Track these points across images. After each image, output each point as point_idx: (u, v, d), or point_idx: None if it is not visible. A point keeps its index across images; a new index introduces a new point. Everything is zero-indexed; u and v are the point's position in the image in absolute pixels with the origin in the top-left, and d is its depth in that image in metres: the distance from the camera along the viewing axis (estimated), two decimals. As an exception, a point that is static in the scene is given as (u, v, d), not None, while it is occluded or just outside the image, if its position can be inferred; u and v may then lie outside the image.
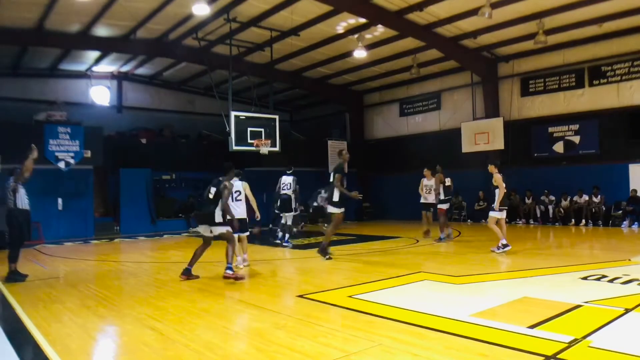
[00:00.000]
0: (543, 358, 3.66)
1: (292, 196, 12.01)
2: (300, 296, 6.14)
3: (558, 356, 3.71)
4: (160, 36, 16.70)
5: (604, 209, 15.68)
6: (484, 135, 18.50)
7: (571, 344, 3.98)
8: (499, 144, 18.08)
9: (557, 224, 16.30)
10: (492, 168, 9.86)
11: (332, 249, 10.25)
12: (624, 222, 15.06)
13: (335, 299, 5.89)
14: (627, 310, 5.00)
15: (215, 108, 17.39)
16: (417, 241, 12.25)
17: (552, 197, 16.79)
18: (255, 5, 14.59)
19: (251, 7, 14.66)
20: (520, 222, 17.20)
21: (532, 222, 16.91)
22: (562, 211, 16.40)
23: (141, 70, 20.69)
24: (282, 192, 12.02)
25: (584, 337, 4.14)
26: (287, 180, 12.10)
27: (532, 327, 4.46)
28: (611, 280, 6.64)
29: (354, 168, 21.50)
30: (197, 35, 16.16)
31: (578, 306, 5.24)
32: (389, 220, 20.86)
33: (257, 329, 4.74)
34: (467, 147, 18.97)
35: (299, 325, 4.87)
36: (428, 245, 11.54)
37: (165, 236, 15.67)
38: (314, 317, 5.08)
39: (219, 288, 7.08)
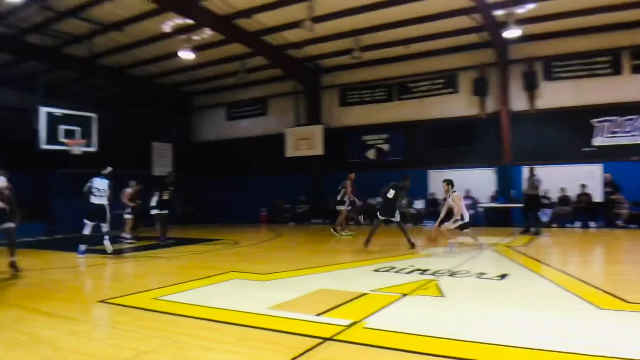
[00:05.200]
0: (321, 340, 4.08)
1: (107, 204, 10.28)
2: (102, 301, 5.93)
3: (335, 337, 4.18)
4: None
5: (414, 211, 17.55)
6: (305, 141, 19.81)
7: (349, 326, 4.49)
8: (318, 149, 19.48)
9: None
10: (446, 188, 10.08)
11: (147, 253, 10.82)
12: (425, 221, 16.99)
13: (138, 302, 5.81)
14: (403, 295, 5.75)
15: (25, 103, 15.84)
16: (237, 243, 12.44)
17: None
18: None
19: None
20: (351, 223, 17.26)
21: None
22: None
23: None
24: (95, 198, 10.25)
25: (361, 319, 4.68)
26: (101, 184, 10.29)
27: (319, 314, 4.93)
28: (398, 271, 7.50)
29: (181, 171, 21.31)
30: (9, 21, 14.78)
31: (364, 294, 5.87)
32: (214, 223, 20.48)
33: (47, 337, 4.53)
34: (290, 151, 20.21)
35: (94, 329, 4.83)
36: (246, 247, 11.88)
37: None
38: (112, 321, 5.05)
39: (12, 299, 6.58)
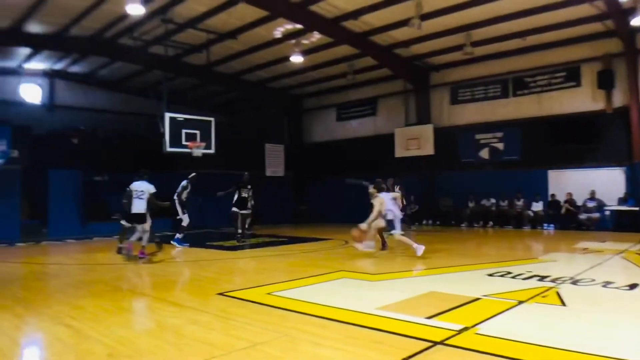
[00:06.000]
0: (431, 344, 4.01)
1: (175, 200, 12.26)
2: (221, 294, 6.27)
3: (446, 342, 4.06)
4: (95, 34, 16.33)
5: (531, 213, 16.64)
6: (415, 141, 19.41)
7: (460, 331, 4.34)
8: (429, 149, 19.03)
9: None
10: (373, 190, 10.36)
11: (261, 250, 11.42)
12: (545, 225, 16.33)
13: (253, 296, 6.05)
14: (519, 302, 5.48)
15: (151, 109, 16.77)
16: (346, 242, 12.34)
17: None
18: (192, 7, 14.54)
19: (188, 9, 14.62)
20: (463, 225, 17.94)
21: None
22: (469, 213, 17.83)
23: (75, 69, 20.05)
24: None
25: (474, 325, 4.52)
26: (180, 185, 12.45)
27: (429, 317, 4.82)
28: (514, 277, 7.14)
29: (291, 171, 22.29)
30: (134, 34, 15.85)
31: (477, 299, 5.66)
32: (325, 223, 20.35)
33: (171, 325, 4.89)
34: (399, 152, 19.88)
35: (213, 320, 5.04)
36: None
37: (95, 239, 15.09)
38: (230, 313, 5.26)
39: (142, 288, 7.27)
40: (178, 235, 12.30)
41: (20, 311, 5.59)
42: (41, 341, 4.65)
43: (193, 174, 12.57)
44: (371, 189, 10.36)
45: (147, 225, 9.70)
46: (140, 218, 9.61)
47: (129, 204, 9.59)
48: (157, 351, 4.03)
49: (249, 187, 13.32)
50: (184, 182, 12.35)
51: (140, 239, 9.76)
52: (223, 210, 14.21)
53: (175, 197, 12.24)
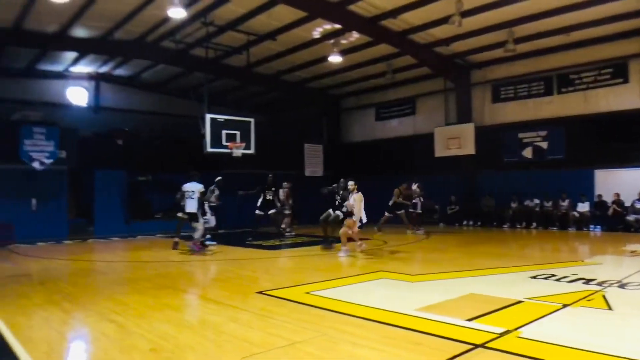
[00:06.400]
0: (472, 346, 3.94)
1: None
2: (260, 292, 6.35)
3: (486, 345, 3.99)
4: (138, 38, 16.73)
5: (577, 214, 16.10)
6: (455, 140, 19.02)
7: (502, 334, 4.27)
8: (470, 148, 18.60)
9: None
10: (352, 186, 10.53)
11: (300, 250, 11.63)
12: (591, 226, 15.86)
13: (292, 295, 6.11)
14: (564, 306, 5.32)
15: (193, 110, 17.15)
16: (385, 242, 12.19)
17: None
18: (232, 10, 14.64)
19: (228, 11, 14.74)
20: (505, 226, 17.49)
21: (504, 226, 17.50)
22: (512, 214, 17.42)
23: (119, 72, 20.63)
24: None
25: (516, 328, 4.42)
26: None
27: (470, 319, 4.75)
28: (558, 279, 6.96)
29: (330, 171, 21.86)
30: (175, 37, 16.21)
31: (519, 302, 5.56)
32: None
33: (212, 322, 5.00)
34: (439, 151, 19.56)
35: (253, 318, 5.10)
36: (395, 247, 11.78)
37: (139, 237, 15.56)
38: (269, 311, 5.32)
39: (184, 285, 7.43)
40: (208, 235, 12.49)
41: (67, 306, 5.80)
42: (87, 336, 4.83)
43: (219, 178, 13.04)
44: (352, 186, 10.52)
45: (200, 224, 10.83)
46: (193, 216, 10.77)
47: (183, 203, 10.66)
48: (198, 347, 4.11)
49: (273, 189, 13.67)
50: (212, 187, 12.80)
51: (203, 235, 11.03)
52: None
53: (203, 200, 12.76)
